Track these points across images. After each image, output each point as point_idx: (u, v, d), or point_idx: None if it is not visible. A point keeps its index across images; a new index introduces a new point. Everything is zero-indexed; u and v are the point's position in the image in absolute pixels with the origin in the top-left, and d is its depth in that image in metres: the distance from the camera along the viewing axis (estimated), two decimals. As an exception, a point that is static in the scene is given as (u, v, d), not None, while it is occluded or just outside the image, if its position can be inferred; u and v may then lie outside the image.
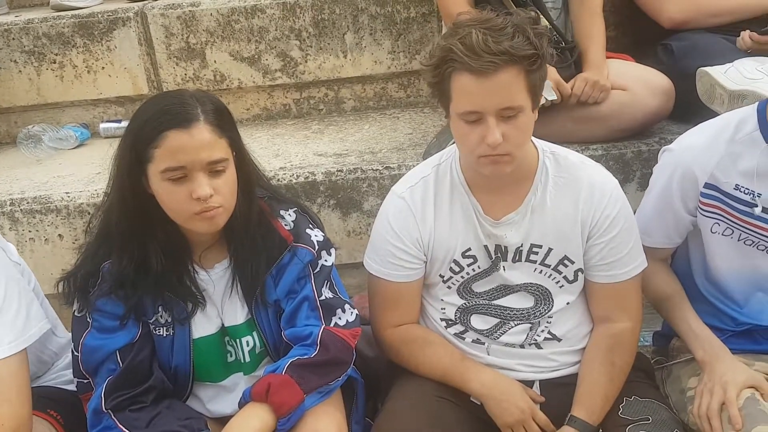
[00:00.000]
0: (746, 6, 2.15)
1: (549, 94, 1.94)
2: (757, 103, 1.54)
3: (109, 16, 2.59)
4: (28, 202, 2.17)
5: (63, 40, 2.60)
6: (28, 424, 1.37)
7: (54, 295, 1.52)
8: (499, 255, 1.56)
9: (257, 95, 2.69)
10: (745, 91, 1.81)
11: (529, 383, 1.59)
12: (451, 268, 1.58)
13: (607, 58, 2.14)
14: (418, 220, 1.56)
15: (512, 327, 1.59)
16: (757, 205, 1.52)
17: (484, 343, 1.61)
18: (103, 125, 2.65)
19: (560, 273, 1.56)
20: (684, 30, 2.19)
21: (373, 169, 2.14)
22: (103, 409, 1.41)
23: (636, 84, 2.04)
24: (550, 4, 2.15)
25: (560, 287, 1.58)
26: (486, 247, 1.56)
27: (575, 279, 1.57)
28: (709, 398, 1.51)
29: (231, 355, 1.54)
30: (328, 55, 2.60)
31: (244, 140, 2.28)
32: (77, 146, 2.61)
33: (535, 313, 1.58)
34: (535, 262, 1.56)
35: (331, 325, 1.48)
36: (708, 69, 1.93)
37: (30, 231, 2.18)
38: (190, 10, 2.57)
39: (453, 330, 1.63)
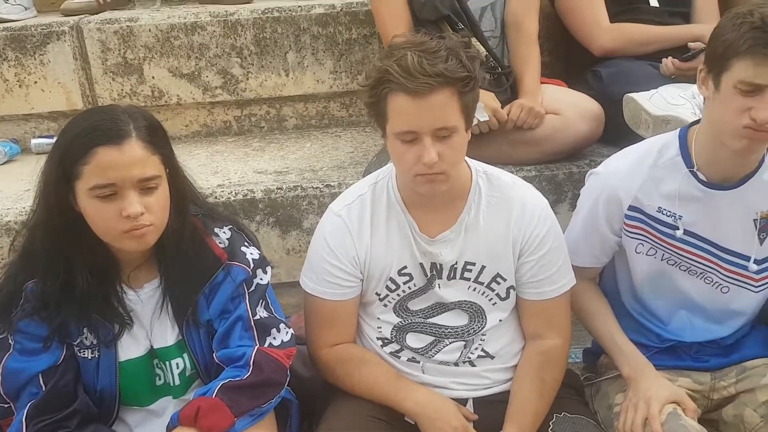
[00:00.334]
0: (672, 35, 2.27)
1: (481, 116, 1.99)
2: (678, 129, 1.62)
3: (43, 29, 2.53)
4: (-49, 219, 2.09)
5: (-7, 52, 2.53)
6: None
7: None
8: (434, 273, 1.59)
9: (197, 112, 2.67)
10: (668, 116, 1.90)
11: (462, 401, 1.60)
12: (387, 286, 1.60)
13: (542, 83, 2.22)
14: (354, 237, 1.57)
15: (447, 345, 1.61)
16: (678, 228, 1.59)
17: (419, 362, 1.62)
18: (34, 141, 2.57)
19: (493, 290, 1.60)
20: (612, 57, 2.28)
21: (313, 187, 2.15)
22: (24, 434, 1.35)
23: (568, 109, 2.13)
24: (488, 32, 2.22)
25: (493, 304, 1.61)
26: (422, 264, 1.58)
27: (507, 296, 1.60)
28: (634, 414, 1.56)
29: (160, 378, 1.50)
30: (270, 73, 2.60)
31: (183, 157, 2.24)
32: (6, 162, 2.52)
33: (469, 330, 1.61)
34: (469, 279, 1.59)
35: (266, 345, 1.46)
36: (634, 95, 2.02)
37: (-47, 248, 2.09)
38: (128, 26, 2.54)
39: (389, 349, 1.63)
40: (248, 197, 2.11)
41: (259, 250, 1.53)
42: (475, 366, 1.62)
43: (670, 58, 2.17)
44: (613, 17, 2.31)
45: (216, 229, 1.49)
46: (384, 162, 2.02)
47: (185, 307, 1.44)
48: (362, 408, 1.56)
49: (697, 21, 2.35)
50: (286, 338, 1.49)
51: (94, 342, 1.43)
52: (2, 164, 2.51)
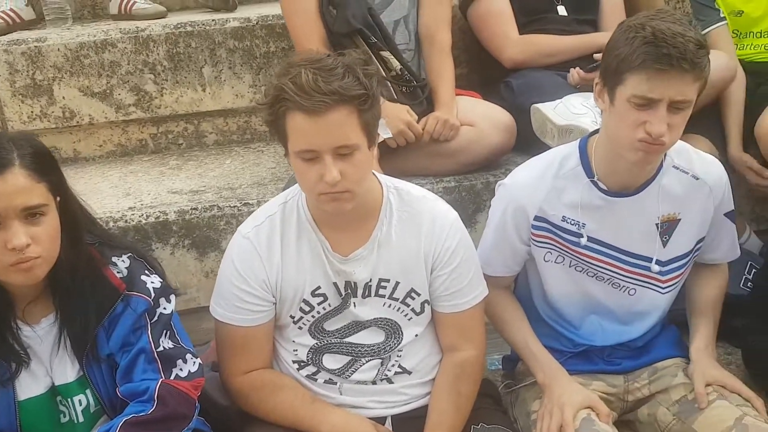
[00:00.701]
0: (578, 45, 2.33)
1: (384, 132, 2.00)
2: (578, 140, 1.66)
3: (-53, 52, 2.42)
4: None
5: None
6: None
7: None
8: (349, 291, 1.57)
9: (110, 131, 2.59)
10: (571, 126, 1.95)
11: (381, 420, 1.60)
12: (301, 308, 1.58)
13: (457, 95, 2.25)
14: (264, 260, 1.55)
15: (364, 364, 1.60)
16: (582, 236, 1.62)
17: (336, 383, 1.61)
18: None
19: (408, 306, 1.59)
20: (523, 68, 2.33)
21: (230, 206, 2.11)
22: None
23: (482, 121, 2.16)
24: (403, 45, 2.23)
25: (409, 320, 1.61)
26: (335, 284, 1.57)
27: (422, 311, 1.61)
28: (549, 420, 1.58)
29: (64, 416, 1.44)
30: (186, 88, 2.55)
31: (95, 179, 2.18)
32: None
33: (385, 347, 1.60)
34: (384, 296, 1.58)
35: (172, 377, 1.42)
36: (540, 105, 2.06)
37: None
38: (36, 46, 2.45)
39: (305, 372, 1.61)
40: (161, 219, 2.06)
41: (161, 277, 1.48)
42: (393, 383, 1.62)
43: (577, 68, 2.23)
44: (523, 28, 2.36)
45: (114, 258, 1.44)
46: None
47: (84, 342, 1.39)
48: (279, 435, 1.53)
49: (604, 28, 2.42)
50: (194, 369, 1.45)
51: None
52: None
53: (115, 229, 2.00)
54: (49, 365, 1.41)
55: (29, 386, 1.40)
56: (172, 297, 1.48)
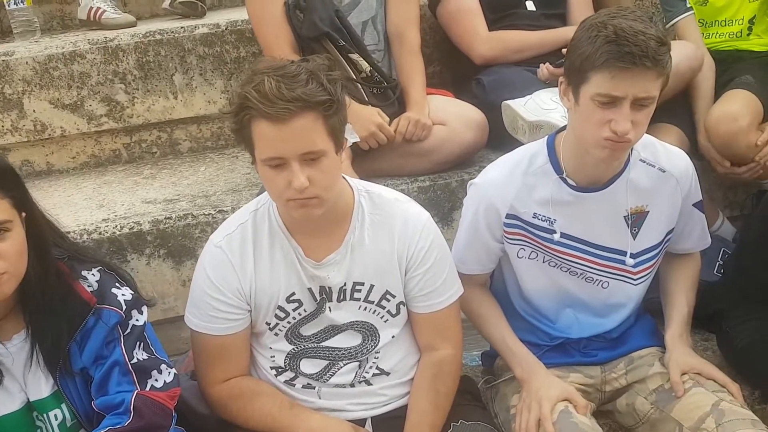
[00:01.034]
0: (547, 40, 2.35)
1: (351, 137, 2.00)
2: (546, 137, 1.67)
3: None
4: None
5: None
6: None
7: None
8: (324, 296, 1.58)
9: (83, 142, 2.57)
10: (541, 122, 1.96)
11: (361, 422, 1.60)
12: (276, 314, 1.58)
13: (429, 94, 2.26)
14: (236, 269, 1.55)
15: (341, 367, 1.61)
16: (555, 232, 1.64)
17: (314, 387, 1.61)
18: None
19: (383, 308, 1.60)
20: (494, 64, 2.34)
21: (205, 214, 2.11)
22: None
23: (454, 119, 2.17)
24: (372, 46, 2.23)
25: (385, 321, 1.61)
26: (310, 289, 1.57)
27: (398, 312, 1.61)
28: (528, 414, 1.60)
29: (41, 431, 1.44)
30: (157, 96, 2.54)
31: (69, 191, 2.17)
32: None
33: (362, 350, 1.61)
34: (359, 299, 1.59)
35: (147, 388, 1.42)
36: (510, 102, 2.07)
37: None
38: (3, 60, 2.43)
39: (283, 377, 1.62)
40: (135, 230, 2.05)
41: (133, 289, 1.48)
42: (371, 384, 1.62)
43: (547, 63, 2.24)
44: (492, 24, 2.37)
45: (83, 272, 1.43)
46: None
47: (56, 357, 1.39)
48: (258, 442, 1.54)
49: (573, 23, 2.42)
50: (169, 379, 1.45)
51: None
52: None
53: (89, 242, 1.98)
54: (23, 381, 1.40)
55: (4, 403, 1.40)
56: (144, 308, 1.48)
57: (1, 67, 2.42)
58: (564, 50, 2.16)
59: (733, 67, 2.33)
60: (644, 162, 1.65)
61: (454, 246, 1.74)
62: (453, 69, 2.64)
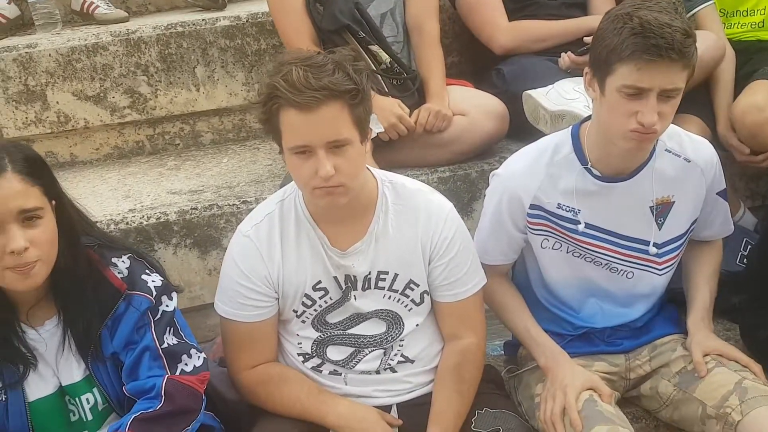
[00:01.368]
0: (568, 30, 2.34)
1: (376, 127, 2.01)
2: (571, 127, 1.67)
3: (-62, 61, 2.43)
4: None
5: None
6: None
7: None
8: (349, 285, 1.60)
9: (106, 134, 2.60)
10: (563, 112, 1.96)
11: (386, 408, 1.63)
12: (303, 302, 1.60)
13: (448, 84, 2.26)
14: (264, 257, 1.57)
15: (367, 354, 1.63)
16: (580, 222, 1.64)
17: (341, 374, 1.63)
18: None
19: (408, 297, 1.62)
20: (514, 54, 2.34)
21: (229, 204, 2.13)
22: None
23: (474, 109, 2.17)
24: (391, 38, 2.24)
25: (409, 310, 1.63)
26: (336, 278, 1.59)
27: (422, 301, 1.63)
28: (552, 403, 1.61)
29: (74, 414, 1.47)
30: (180, 89, 2.56)
31: (94, 182, 2.20)
32: None
33: (387, 338, 1.63)
34: (383, 288, 1.61)
35: (177, 372, 1.45)
36: (531, 92, 2.07)
37: None
38: (26, 52, 2.45)
39: (310, 364, 1.64)
40: (162, 220, 2.07)
41: (162, 276, 1.51)
42: (396, 372, 1.64)
43: (569, 52, 2.23)
44: (512, 14, 2.36)
45: (114, 259, 1.46)
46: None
47: (88, 342, 1.42)
48: (287, 427, 1.56)
49: (593, 11, 2.42)
50: (199, 363, 1.48)
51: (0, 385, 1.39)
52: None
53: (116, 232, 2.01)
54: (55, 366, 1.44)
55: (38, 387, 1.43)
56: (174, 294, 1.51)
57: (25, 59, 2.45)
58: (586, 38, 2.20)
59: (755, 58, 2.31)
60: (670, 152, 1.66)
61: (476, 236, 1.75)
62: (472, 59, 2.64)
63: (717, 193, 1.72)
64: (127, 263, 1.47)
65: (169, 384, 1.41)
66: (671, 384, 1.69)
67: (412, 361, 1.65)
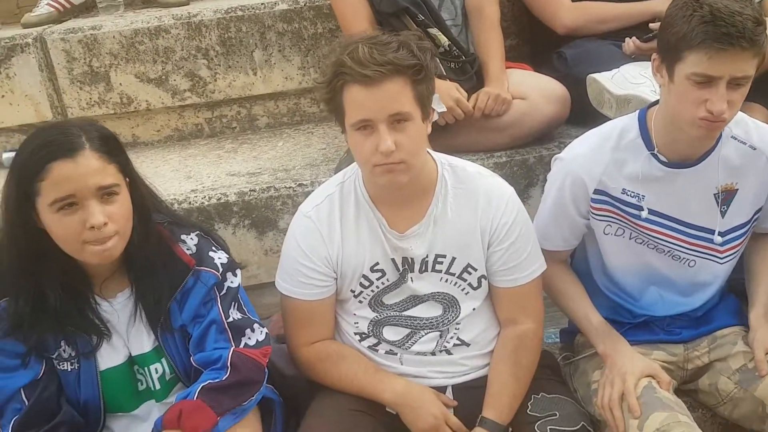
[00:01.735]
0: (633, 12, 2.27)
1: (438, 107, 2.00)
2: (638, 111, 1.64)
3: (7, 43, 2.51)
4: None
5: (-42, 69, 2.51)
6: None
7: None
8: (406, 267, 1.61)
9: (167, 116, 2.66)
10: (629, 96, 1.92)
11: (441, 389, 1.64)
12: (361, 282, 1.62)
13: (507, 68, 2.23)
14: (325, 238, 1.59)
15: (422, 336, 1.64)
16: (643, 209, 1.62)
17: (396, 354, 1.65)
18: (5, 155, 2.55)
19: (465, 280, 1.62)
20: (576, 38, 2.29)
21: (286, 187, 2.16)
22: (12, 449, 1.38)
23: (533, 93, 2.14)
24: (449, 22, 2.22)
25: (466, 294, 1.63)
26: (393, 260, 1.60)
27: (479, 285, 1.63)
28: (611, 389, 1.60)
29: (142, 384, 1.53)
30: (238, 72, 2.60)
31: (156, 163, 2.26)
32: (-21, 178, 2.52)
33: (443, 321, 1.63)
34: (440, 271, 1.61)
35: (241, 345, 1.49)
36: (596, 75, 2.03)
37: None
38: (91, 34, 2.52)
39: (366, 343, 1.66)
40: (222, 201, 2.12)
41: (227, 253, 1.55)
42: (451, 354, 1.65)
43: (633, 38, 2.18)
44: None
45: (183, 236, 1.51)
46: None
47: (158, 315, 1.46)
48: (344, 402, 1.59)
49: (659, -5, 2.36)
50: (261, 337, 1.52)
51: (73, 354, 1.45)
52: (-25, 181, 2.51)
53: (180, 211, 2.06)
54: (126, 337, 1.49)
55: (109, 357, 1.48)
56: (238, 271, 1.55)
57: (90, 40, 2.52)
58: (651, 24, 2.15)
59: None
60: (736, 139, 1.62)
61: (536, 221, 1.74)
62: (531, 43, 2.60)
63: (783, 183, 1.67)
64: (195, 240, 1.51)
65: (235, 356, 1.46)
66: (731, 381, 1.66)
67: (468, 345, 1.65)
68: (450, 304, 1.63)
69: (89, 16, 2.82)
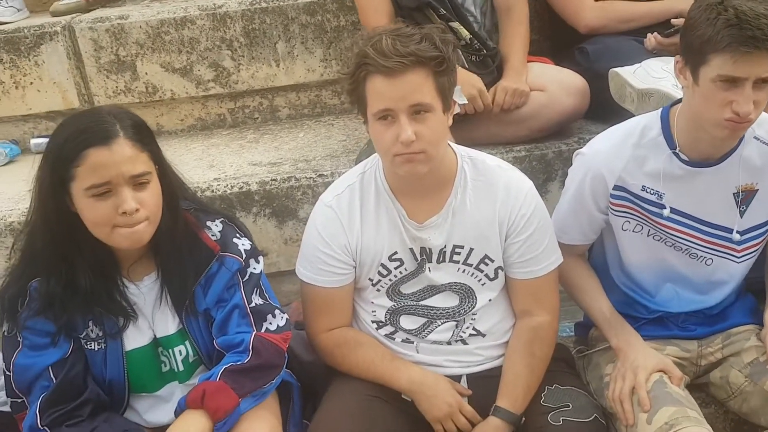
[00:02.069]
0: (655, 12, 2.29)
1: (459, 98, 2.02)
2: (660, 109, 1.65)
3: (36, 31, 2.57)
4: (-43, 222, 2.15)
5: (-12, 56, 2.56)
6: None
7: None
8: (424, 257, 1.64)
9: (191, 106, 2.71)
10: (651, 90, 1.92)
11: (456, 378, 1.67)
12: (379, 271, 1.65)
13: (528, 61, 2.24)
14: (345, 227, 1.62)
15: (439, 325, 1.67)
16: (665, 207, 1.63)
17: (413, 342, 1.68)
18: (33, 141, 2.62)
19: (482, 271, 1.65)
20: (598, 34, 2.30)
21: (306, 177, 2.19)
22: (39, 426, 1.43)
23: (552, 85, 2.15)
24: (471, 18, 2.24)
25: (482, 285, 1.66)
26: (411, 249, 1.63)
27: (496, 276, 1.65)
28: (622, 383, 1.62)
29: (165, 365, 1.57)
30: (261, 64, 2.63)
31: (179, 152, 2.30)
32: (7, 163, 2.58)
33: (459, 311, 1.66)
34: (458, 262, 1.64)
35: (262, 330, 1.52)
36: (618, 69, 2.04)
37: (-40, 251, 2.15)
38: (118, 23, 2.57)
39: (383, 331, 1.69)
40: (244, 190, 2.16)
41: (250, 240, 1.59)
42: (467, 344, 1.68)
43: (655, 33, 2.19)
44: None
45: (208, 223, 1.54)
46: (375, 149, 2.06)
47: (183, 298, 1.50)
48: (360, 388, 1.62)
49: (680, -7, 2.36)
50: (282, 323, 1.56)
51: (100, 334, 1.50)
52: (3, 165, 2.56)
53: (203, 198, 2.10)
54: (151, 319, 1.53)
55: (135, 338, 1.53)
56: (261, 258, 1.59)
57: (117, 29, 2.56)
58: (673, 20, 2.15)
59: None
60: (758, 139, 1.62)
61: (555, 215, 1.75)
62: (552, 38, 2.61)
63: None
64: (220, 227, 1.55)
65: (257, 340, 1.50)
66: (742, 375, 1.67)
67: (484, 335, 1.68)
68: (467, 294, 1.66)
69: (116, 5, 2.86)
